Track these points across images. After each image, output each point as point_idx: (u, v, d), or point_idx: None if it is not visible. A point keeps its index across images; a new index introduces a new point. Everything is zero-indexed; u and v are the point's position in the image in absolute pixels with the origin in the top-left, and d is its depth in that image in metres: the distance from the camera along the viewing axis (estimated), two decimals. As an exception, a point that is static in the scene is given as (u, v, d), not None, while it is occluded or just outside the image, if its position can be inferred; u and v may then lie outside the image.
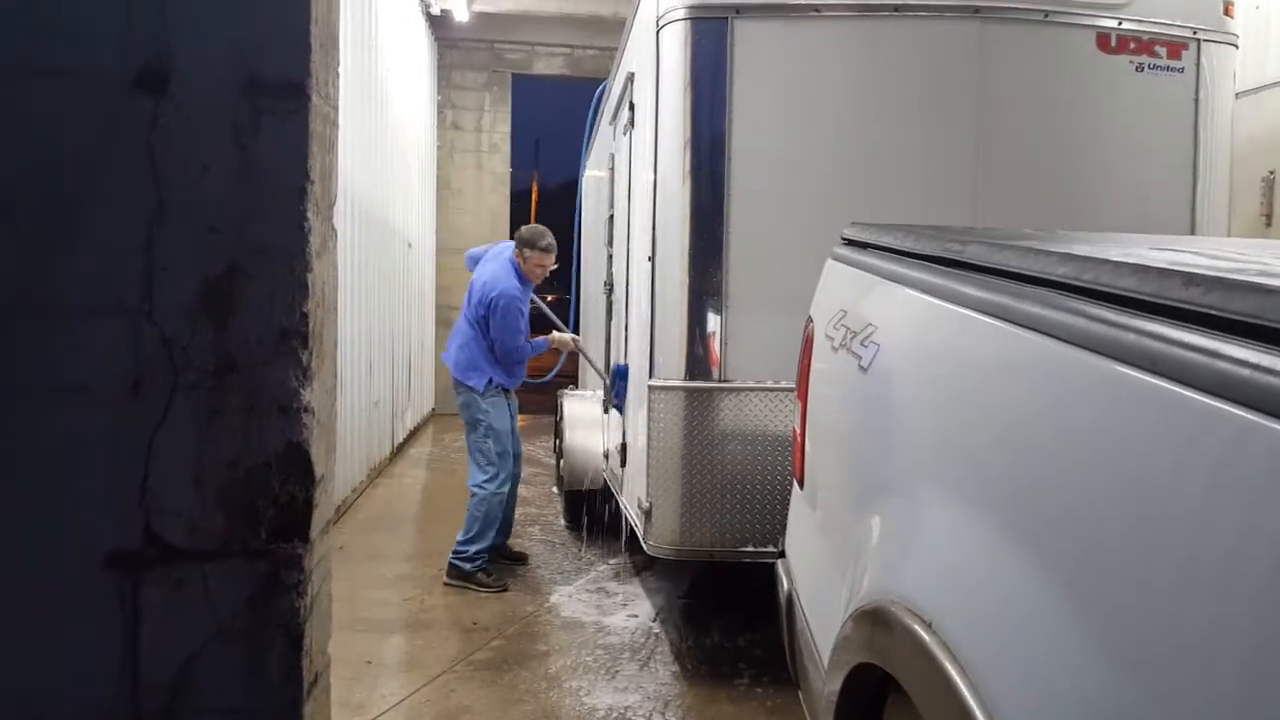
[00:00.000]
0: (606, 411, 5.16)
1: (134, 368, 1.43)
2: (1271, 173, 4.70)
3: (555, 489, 6.77)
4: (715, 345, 3.47)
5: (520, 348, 4.73)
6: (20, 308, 1.42)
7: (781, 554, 2.25)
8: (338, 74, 1.63)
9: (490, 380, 4.69)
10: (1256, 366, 0.72)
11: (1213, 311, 0.84)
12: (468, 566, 4.62)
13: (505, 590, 4.59)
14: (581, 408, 6.04)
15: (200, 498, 1.45)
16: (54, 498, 1.43)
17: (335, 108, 1.62)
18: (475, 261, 5.01)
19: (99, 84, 1.42)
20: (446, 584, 4.62)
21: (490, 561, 4.73)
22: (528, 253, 4.71)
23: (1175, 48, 3.50)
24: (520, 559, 5.10)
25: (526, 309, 4.76)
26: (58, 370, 1.42)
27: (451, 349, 4.87)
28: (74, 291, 1.43)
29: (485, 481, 4.66)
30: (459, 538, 4.67)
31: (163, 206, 1.44)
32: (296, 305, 1.47)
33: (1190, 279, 0.90)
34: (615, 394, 4.60)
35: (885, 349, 1.61)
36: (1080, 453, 0.97)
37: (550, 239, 4.80)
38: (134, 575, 1.43)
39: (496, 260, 4.80)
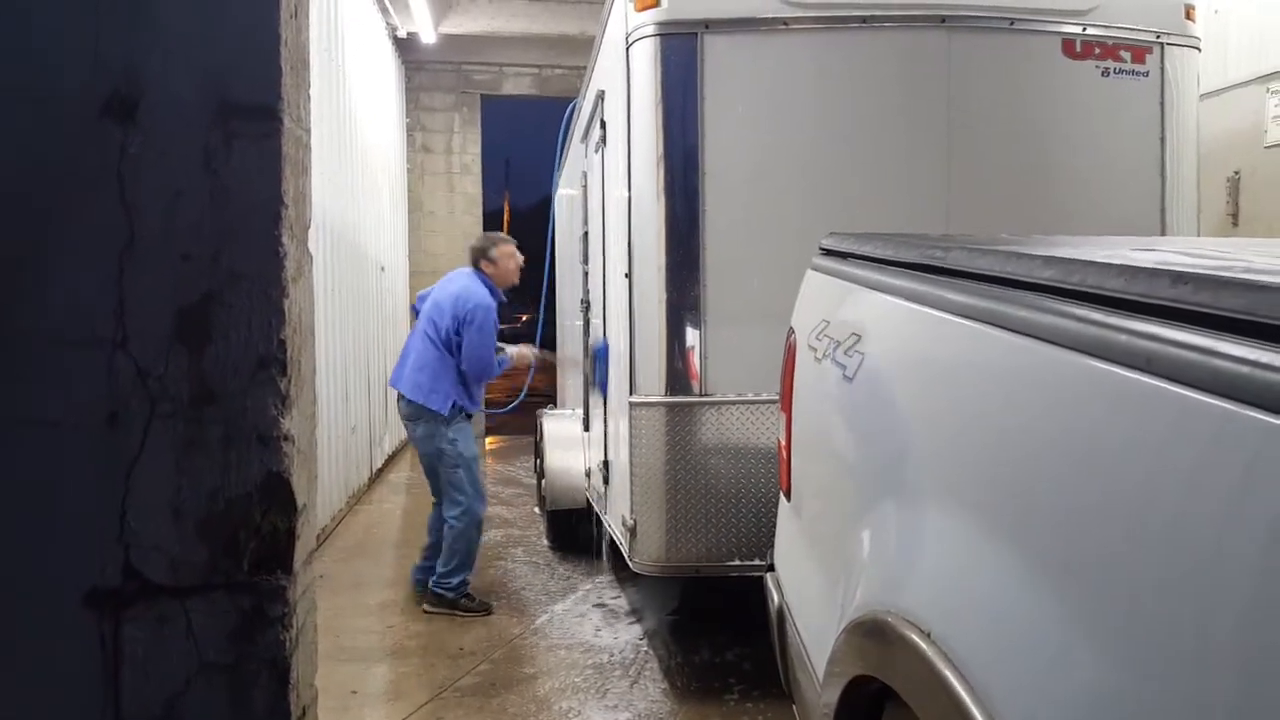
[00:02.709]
0: (588, 427, 5.13)
1: (109, 400, 1.40)
2: (1237, 172, 4.79)
3: (537, 509, 6.72)
4: (695, 359, 3.46)
5: (493, 362, 4.57)
6: (-11, 341, 1.39)
7: (770, 567, 2.24)
8: (309, 96, 1.61)
9: (454, 403, 4.48)
10: (1255, 363, 0.71)
11: (1204, 309, 0.83)
12: (451, 595, 4.54)
13: (490, 613, 4.53)
14: (561, 426, 6.01)
15: (180, 531, 1.41)
16: (30, 534, 1.39)
17: (307, 130, 1.60)
18: (425, 300, 4.80)
19: (67, 113, 1.40)
20: (427, 611, 4.53)
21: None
22: (493, 253, 4.57)
23: (1139, 52, 3.55)
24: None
25: (497, 321, 4.62)
26: (31, 403, 1.39)
27: (404, 372, 4.58)
28: (47, 323, 1.39)
29: (461, 514, 4.51)
30: (439, 569, 4.56)
31: (134, 235, 1.42)
32: (273, 332, 1.45)
33: (1179, 277, 0.90)
34: (597, 377, 4.41)
35: (870, 357, 1.60)
36: (1075, 455, 0.96)
37: (504, 235, 4.76)
38: (114, 612, 1.39)
39: (458, 280, 4.62)
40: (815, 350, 1.93)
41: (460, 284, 4.57)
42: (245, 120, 1.43)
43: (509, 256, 4.60)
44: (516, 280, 4.71)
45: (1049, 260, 1.14)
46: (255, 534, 1.42)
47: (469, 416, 4.59)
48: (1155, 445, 0.84)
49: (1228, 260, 1.14)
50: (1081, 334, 0.96)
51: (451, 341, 4.46)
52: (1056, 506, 0.99)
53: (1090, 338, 0.94)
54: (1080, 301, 1.01)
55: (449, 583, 4.53)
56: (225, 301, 1.44)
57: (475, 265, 4.62)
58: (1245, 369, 0.73)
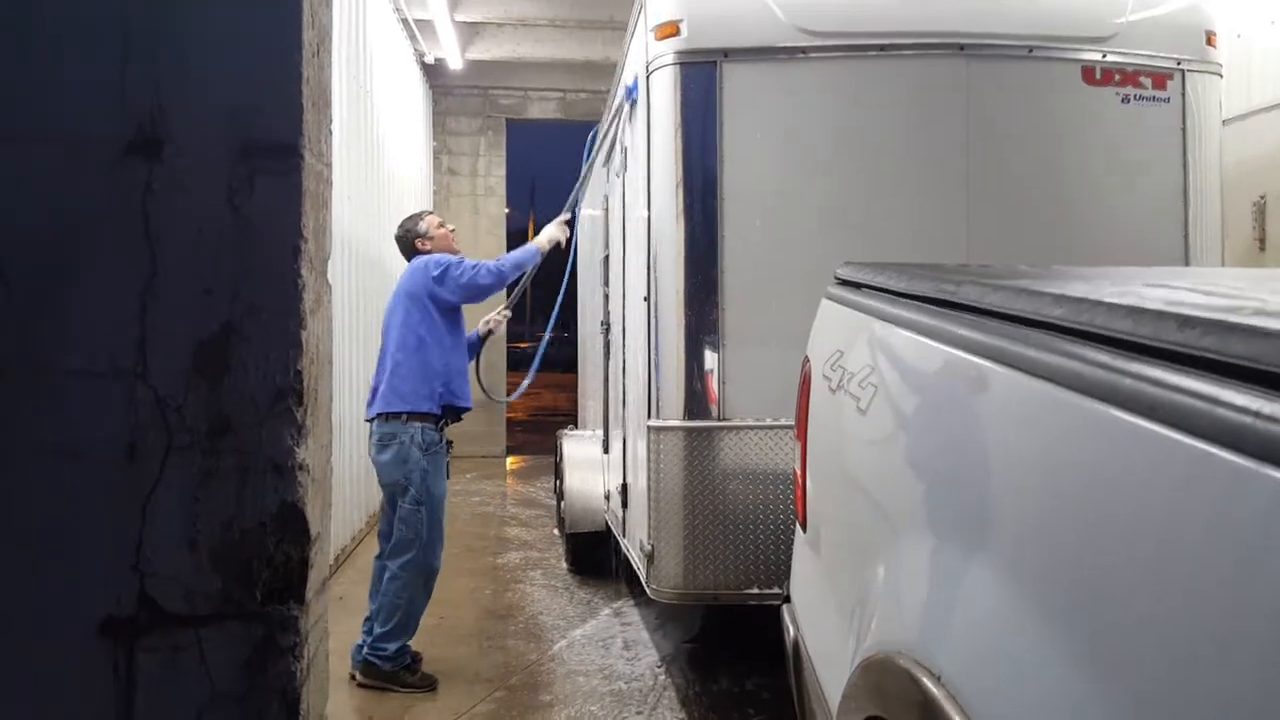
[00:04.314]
0: (607, 449, 5.13)
1: (128, 430, 1.42)
2: (1263, 197, 4.73)
3: (557, 532, 6.72)
4: (713, 384, 3.46)
5: (485, 276, 3.94)
6: (16, 372, 1.42)
7: (786, 599, 2.22)
8: (330, 131, 1.64)
9: (440, 402, 3.84)
10: (1258, 414, 0.71)
11: (1210, 355, 0.83)
12: (388, 666, 3.79)
13: (434, 689, 3.81)
14: (581, 448, 6.02)
15: (195, 561, 1.43)
16: (48, 563, 1.41)
17: (328, 165, 1.63)
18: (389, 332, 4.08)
19: (93, 150, 1.43)
20: (360, 684, 3.81)
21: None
22: (422, 228, 4.10)
23: (1160, 78, 3.54)
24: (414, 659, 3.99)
25: None
26: (52, 433, 1.42)
27: (377, 395, 3.90)
28: (69, 355, 1.42)
29: (408, 562, 3.78)
30: (377, 630, 3.82)
31: (157, 268, 1.45)
32: (291, 363, 1.47)
33: (1185, 321, 0.89)
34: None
35: (883, 391, 1.60)
36: (1084, 504, 0.95)
37: (421, 210, 4.49)
38: (128, 641, 1.41)
39: (404, 275, 4.10)
40: (830, 380, 1.93)
41: (407, 271, 4.07)
42: (267, 157, 1.46)
43: (439, 225, 4.16)
44: (457, 247, 4.23)
45: (1058, 299, 1.13)
46: (268, 564, 1.44)
47: (449, 446, 3.98)
48: (1166, 497, 0.83)
49: (1240, 300, 1.13)
50: (1088, 376, 0.95)
51: (433, 311, 3.89)
52: (1066, 553, 0.98)
53: (1097, 380, 0.94)
54: (1089, 342, 1.01)
55: (384, 649, 3.78)
56: (244, 334, 1.46)
57: (414, 252, 4.10)
58: (1248, 419, 0.72)
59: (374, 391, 3.96)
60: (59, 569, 1.39)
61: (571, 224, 4.48)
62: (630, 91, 3.98)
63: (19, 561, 1.39)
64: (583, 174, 5.00)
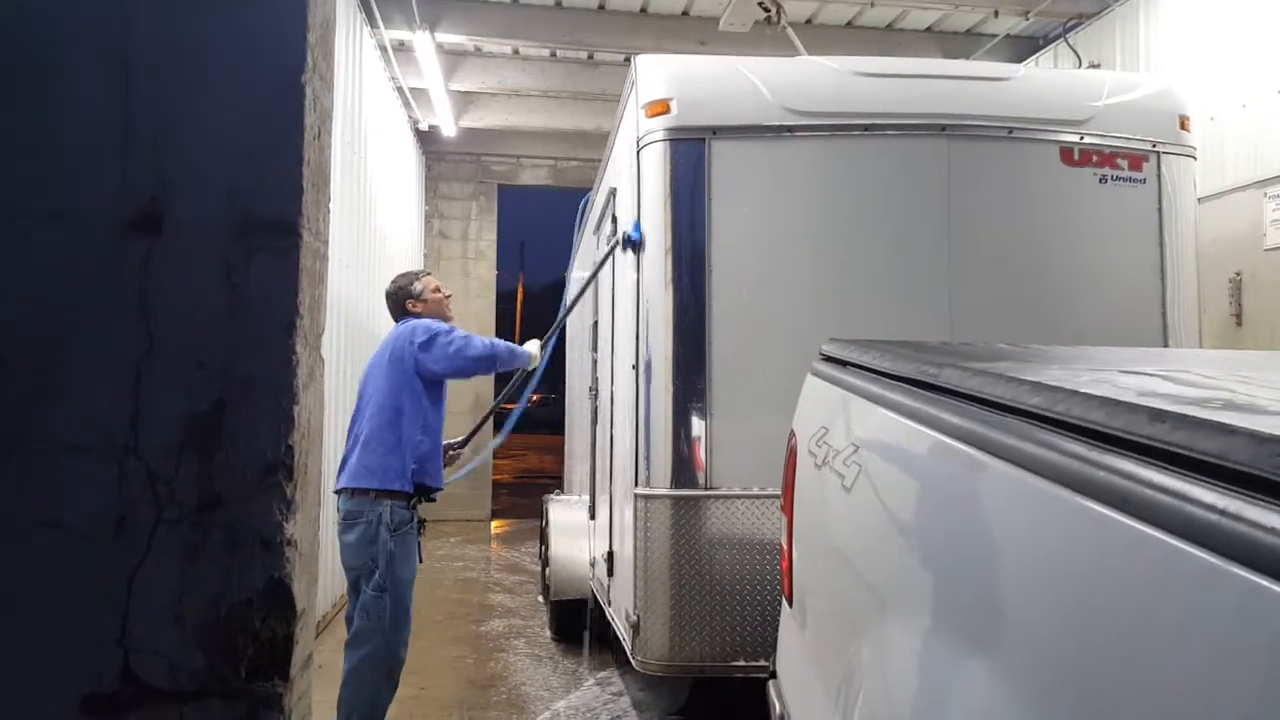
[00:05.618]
0: (594, 515, 5.10)
1: (118, 504, 1.43)
2: (1238, 274, 4.84)
3: (541, 598, 6.64)
4: (701, 452, 3.48)
5: (475, 348, 3.64)
6: (8, 444, 1.42)
7: (772, 674, 2.21)
8: (329, 210, 1.68)
9: (411, 480, 3.53)
10: (1224, 512, 0.74)
11: (1180, 450, 0.86)
12: None
13: None
14: (568, 514, 5.99)
15: (180, 636, 1.42)
16: (31, 637, 1.40)
17: (325, 243, 1.66)
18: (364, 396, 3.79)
19: (94, 227, 1.46)
20: None
21: None
22: (417, 288, 3.83)
23: (1136, 160, 3.65)
24: None
25: None
26: (42, 507, 1.42)
27: (348, 465, 3.61)
28: (62, 429, 1.43)
29: (370, 654, 3.43)
30: None
31: (152, 344, 1.46)
32: (282, 438, 1.48)
33: (1156, 415, 0.92)
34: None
35: (868, 470, 1.62)
36: (1063, 592, 0.97)
37: (419, 269, 4.20)
38: (111, 718, 1.39)
39: (389, 338, 3.82)
40: (815, 456, 1.95)
41: (392, 335, 3.79)
42: (266, 235, 1.50)
43: (435, 289, 3.86)
44: (451, 314, 3.92)
45: (1036, 387, 1.17)
46: (254, 640, 1.43)
47: (422, 526, 3.66)
48: (1142, 591, 0.84)
49: (1211, 390, 1.17)
50: (1063, 466, 0.98)
51: (414, 383, 3.59)
52: (1044, 641, 0.99)
53: (1072, 471, 0.96)
54: (1064, 431, 1.04)
55: None
56: (237, 408, 1.48)
57: (403, 314, 3.83)
58: (1215, 517, 0.75)
59: (344, 462, 3.64)
60: (42, 643, 1.38)
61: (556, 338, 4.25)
62: (629, 239, 3.74)
63: (4, 634, 1.38)
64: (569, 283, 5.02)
